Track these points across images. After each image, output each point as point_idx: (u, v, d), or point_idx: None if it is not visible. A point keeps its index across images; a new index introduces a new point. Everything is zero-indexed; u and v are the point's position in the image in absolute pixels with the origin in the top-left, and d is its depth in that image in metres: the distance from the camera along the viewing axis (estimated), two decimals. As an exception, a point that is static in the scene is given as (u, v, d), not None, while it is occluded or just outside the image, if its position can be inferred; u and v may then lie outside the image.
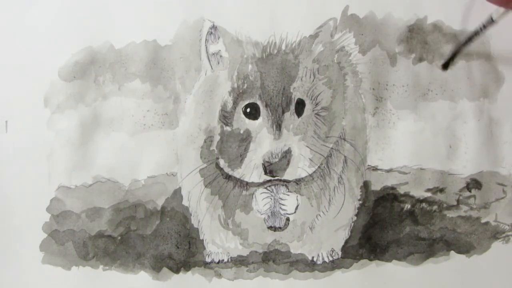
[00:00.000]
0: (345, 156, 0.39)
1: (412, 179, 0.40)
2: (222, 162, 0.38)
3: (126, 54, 0.39)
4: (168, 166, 0.39)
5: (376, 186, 0.39)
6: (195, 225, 0.39)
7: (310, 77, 0.38)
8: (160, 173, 0.39)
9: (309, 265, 0.40)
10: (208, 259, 0.39)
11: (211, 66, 0.38)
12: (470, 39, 0.37)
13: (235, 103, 0.38)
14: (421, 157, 0.39)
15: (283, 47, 0.38)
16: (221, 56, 0.38)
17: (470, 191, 0.40)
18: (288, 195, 0.39)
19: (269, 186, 0.38)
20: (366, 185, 0.39)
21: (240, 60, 0.38)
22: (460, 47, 0.38)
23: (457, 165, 0.40)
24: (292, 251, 0.40)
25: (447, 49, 0.40)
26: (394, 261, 0.40)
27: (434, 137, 0.39)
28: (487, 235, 0.40)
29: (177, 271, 0.39)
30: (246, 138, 0.38)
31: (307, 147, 0.38)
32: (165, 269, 0.39)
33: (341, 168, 0.39)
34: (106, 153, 0.39)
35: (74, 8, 0.39)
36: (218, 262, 0.39)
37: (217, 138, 0.38)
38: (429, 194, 0.40)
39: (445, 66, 0.38)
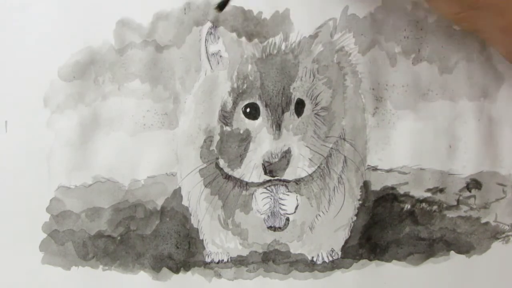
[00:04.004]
0: (345, 156, 0.39)
1: (412, 179, 0.40)
2: (222, 162, 0.38)
3: (126, 54, 0.39)
4: (168, 166, 0.39)
5: (376, 186, 0.39)
6: (195, 225, 0.39)
7: (309, 77, 0.38)
8: (160, 173, 0.39)
9: (309, 265, 0.40)
10: (208, 259, 0.39)
11: (211, 66, 0.38)
12: None
13: (235, 103, 0.38)
14: (421, 157, 0.39)
15: (283, 47, 0.38)
16: (220, 56, 0.38)
17: (470, 191, 0.40)
18: (288, 195, 0.39)
19: (269, 186, 0.38)
20: (366, 185, 0.39)
21: (240, 60, 0.38)
22: None
23: (457, 165, 0.40)
24: (292, 251, 0.40)
25: (448, 49, 0.40)
26: (394, 261, 0.40)
27: (434, 137, 0.39)
28: (487, 235, 0.40)
29: (177, 271, 0.39)
30: (246, 138, 0.38)
31: (307, 147, 0.38)
32: (165, 269, 0.39)
33: (341, 168, 0.39)
34: (106, 153, 0.39)
35: (73, 7, 0.39)
36: (218, 262, 0.39)
37: (217, 138, 0.38)
38: (429, 194, 0.40)
39: (221, 7, 0.37)
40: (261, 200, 0.38)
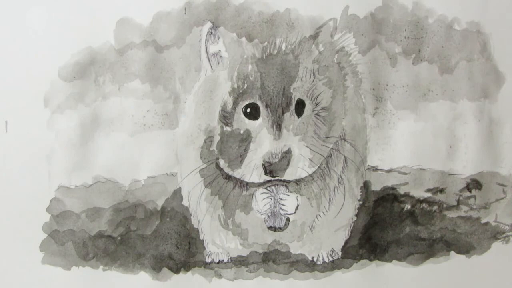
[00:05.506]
0: (345, 156, 0.39)
1: (412, 180, 0.40)
2: (222, 162, 0.38)
3: (126, 54, 0.39)
4: (168, 166, 0.39)
5: (376, 187, 0.39)
6: (195, 225, 0.39)
7: (310, 77, 0.38)
8: (160, 173, 0.39)
9: (309, 265, 0.40)
10: (208, 259, 0.39)
11: (211, 67, 0.38)
12: None
13: (235, 104, 0.38)
14: (421, 157, 0.39)
15: (283, 48, 0.38)
16: (221, 56, 0.38)
17: (470, 192, 0.40)
18: (288, 195, 0.38)
19: (269, 186, 0.38)
20: (366, 185, 0.39)
21: (240, 60, 0.38)
22: None
23: (457, 165, 0.40)
24: (292, 251, 0.40)
25: (448, 49, 0.39)
26: (394, 261, 0.40)
27: (434, 137, 0.39)
28: (487, 235, 0.40)
29: (177, 271, 0.39)
30: (246, 138, 0.38)
31: (307, 147, 0.38)
32: (165, 269, 0.39)
33: (341, 168, 0.39)
34: (106, 153, 0.39)
35: (74, 8, 0.39)
36: (218, 262, 0.39)
37: (217, 138, 0.38)
38: (429, 195, 0.40)
39: None
40: (261, 200, 0.38)
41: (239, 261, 0.40)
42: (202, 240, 0.39)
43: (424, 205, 0.40)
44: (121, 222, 0.39)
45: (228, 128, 0.38)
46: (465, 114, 0.40)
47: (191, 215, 0.39)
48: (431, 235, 0.40)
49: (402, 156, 0.39)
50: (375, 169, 0.39)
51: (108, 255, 0.39)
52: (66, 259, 0.39)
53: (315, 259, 0.40)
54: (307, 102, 0.38)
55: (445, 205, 0.40)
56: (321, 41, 0.38)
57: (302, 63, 0.38)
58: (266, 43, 0.38)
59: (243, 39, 0.38)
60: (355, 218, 0.39)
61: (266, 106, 0.37)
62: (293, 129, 0.37)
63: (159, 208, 0.39)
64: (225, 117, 0.38)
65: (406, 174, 0.39)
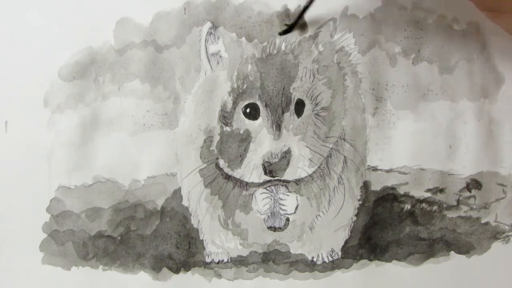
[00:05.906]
0: (345, 156, 0.39)
1: (412, 179, 0.40)
2: (221, 162, 0.38)
3: (126, 54, 0.39)
4: (168, 166, 0.39)
5: (376, 186, 0.39)
6: (195, 225, 0.39)
7: (309, 77, 0.38)
8: (160, 173, 0.39)
9: (309, 265, 0.40)
10: (208, 259, 0.39)
11: (211, 66, 0.38)
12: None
13: (235, 103, 0.38)
14: (421, 157, 0.39)
15: (283, 48, 0.38)
16: (220, 56, 0.38)
17: (470, 192, 0.40)
18: (288, 195, 0.39)
19: (269, 186, 0.38)
20: (366, 185, 0.39)
21: (240, 60, 0.38)
22: (305, 9, 0.37)
23: (457, 165, 0.40)
24: (292, 251, 0.40)
25: (448, 49, 0.39)
26: (394, 261, 0.40)
27: (434, 137, 0.39)
28: (487, 235, 0.40)
29: (177, 271, 0.39)
30: (245, 138, 0.38)
31: (307, 147, 0.38)
32: (165, 269, 0.39)
33: (341, 168, 0.39)
34: (106, 153, 0.39)
35: (74, 8, 0.39)
36: (218, 262, 0.39)
37: (216, 138, 0.38)
38: (429, 194, 0.40)
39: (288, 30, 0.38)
40: (261, 200, 0.38)
41: (239, 261, 0.40)
42: (202, 240, 0.39)
43: (424, 205, 0.40)
44: (121, 222, 0.39)
45: (227, 128, 0.38)
46: (465, 114, 0.39)
47: (191, 215, 0.39)
48: (431, 235, 0.40)
49: (402, 156, 0.39)
50: (375, 169, 0.39)
51: (108, 255, 0.39)
52: (66, 259, 0.39)
53: (315, 259, 0.40)
54: (307, 102, 0.38)
55: (445, 205, 0.40)
56: (321, 41, 0.38)
57: (302, 63, 0.38)
58: (265, 43, 0.38)
59: (243, 39, 0.38)
60: (355, 218, 0.39)
61: (266, 106, 0.37)
62: (293, 129, 0.37)
63: (159, 208, 0.39)
64: (225, 117, 0.38)
65: (406, 174, 0.39)
